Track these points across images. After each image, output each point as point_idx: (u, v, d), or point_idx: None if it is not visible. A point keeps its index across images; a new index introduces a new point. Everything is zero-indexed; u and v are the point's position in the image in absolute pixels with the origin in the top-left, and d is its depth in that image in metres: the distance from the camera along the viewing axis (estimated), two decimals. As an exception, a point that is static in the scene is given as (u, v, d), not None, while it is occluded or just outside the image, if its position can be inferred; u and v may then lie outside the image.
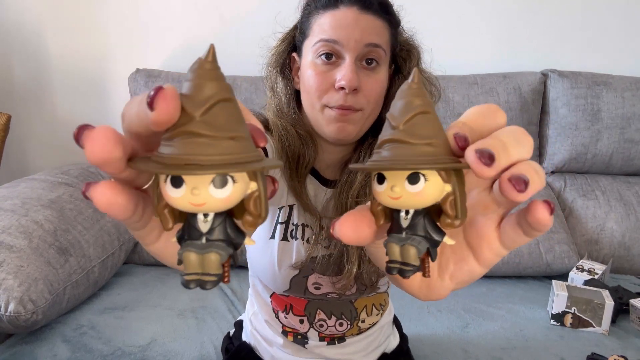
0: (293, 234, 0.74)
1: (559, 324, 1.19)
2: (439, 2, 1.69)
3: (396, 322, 0.99)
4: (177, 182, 0.23)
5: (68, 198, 1.31)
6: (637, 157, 1.62)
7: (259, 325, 0.88)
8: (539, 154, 1.68)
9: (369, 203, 0.29)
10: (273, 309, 0.83)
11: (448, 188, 0.26)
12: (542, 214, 0.26)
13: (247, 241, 0.25)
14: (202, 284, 0.24)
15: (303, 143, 0.71)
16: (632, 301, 1.21)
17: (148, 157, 0.23)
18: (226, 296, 1.30)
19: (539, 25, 1.72)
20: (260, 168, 0.23)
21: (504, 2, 1.70)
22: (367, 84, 0.66)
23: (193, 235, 0.24)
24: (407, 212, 0.27)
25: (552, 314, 1.19)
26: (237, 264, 0.26)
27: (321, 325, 0.81)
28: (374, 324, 0.85)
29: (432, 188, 0.25)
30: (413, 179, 0.25)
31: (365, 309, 0.82)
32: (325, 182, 0.76)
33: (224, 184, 0.23)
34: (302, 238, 0.73)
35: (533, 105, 1.62)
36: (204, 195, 0.23)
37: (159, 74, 1.63)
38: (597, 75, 1.64)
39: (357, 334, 0.84)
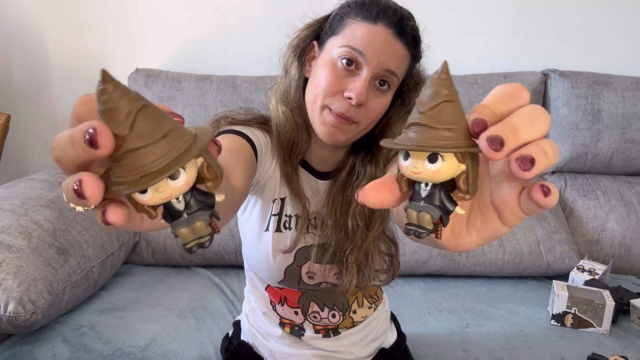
0: (286, 225, 0.76)
1: (559, 324, 1.18)
2: (439, 2, 1.69)
3: (394, 319, 0.99)
4: (143, 191, 0.28)
5: (68, 198, 1.30)
6: (637, 157, 1.62)
7: (257, 319, 0.89)
8: (540, 154, 1.68)
9: (394, 172, 0.33)
10: (270, 300, 0.85)
11: (463, 167, 0.30)
12: (538, 197, 0.29)
13: (217, 197, 0.30)
14: (201, 246, 0.30)
15: (298, 132, 0.73)
16: (633, 301, 1.21)
17: (110, 180, 0.27)
18: (226, 296, 1.30)
19: (539, 25, 1.72)
20: (196, 153, 0.27)
21: (504, 2, 1.70)
22: (372, 103, 0.68)
23: (176, 215, 0.30)
24: (426, 185, 0.31)
25: (552, 314, 1.19)
26: (219, 216, 0.30)
27: (315, 317, 0.83)
28: (367, 317, 0.86)
29: (448, 167, 0.30)
30: (432, 158, 0.29)
31: (356, 300, 0.84)
32: (317, 174, 0.78)
33: (177, 176, 0.28)
34: (296, 228, 0.76)
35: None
36: (167, 189, 0.28)
37: (158, 73, 1.63)
38: (597, 75, 1.64)
39: (351, 327, 0.85)
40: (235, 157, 0.62)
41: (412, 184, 0.32)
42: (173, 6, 1.71)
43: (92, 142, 0.25)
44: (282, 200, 0.76)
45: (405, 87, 0.75)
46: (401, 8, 0.69)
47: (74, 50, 1.74)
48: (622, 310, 1.23)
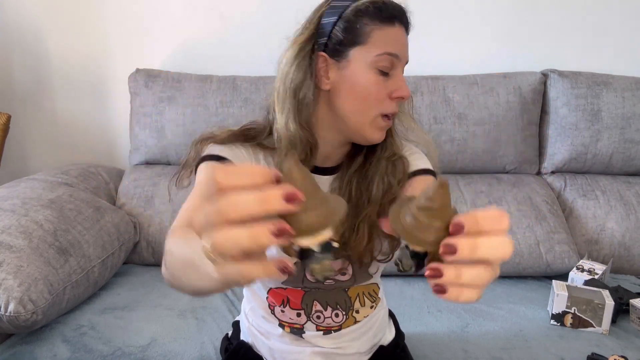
0: None
1: (559, 324, 1.19)
2: (439, 2, 1.69)
3: (392, 317, 1.00)
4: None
5: (68, 198, 1.31)
6: (637, 157, 1.62)
7: (256, 320, 0.89)
8: (539, 154, 1.68)
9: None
10: (269, 304, 0.85)
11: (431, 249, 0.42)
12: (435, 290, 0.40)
13: (335, 244, 0.41)
14: (326, 278, 0.44)
15: (312, 146, 0.74)
16: (633, 301, 1.21)
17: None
18: (226, 296, 1.30)
19: (539, 25, 1.72)
20: (343, 213, 0.40)
21: (504, 2, 1.70)
22: None
23: (308, 255, 0.40)
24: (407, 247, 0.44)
25: (552, 314, 1.19)
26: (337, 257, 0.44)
27: (318, 317, 0.83)
28: (368, 316, 0.87)
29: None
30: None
31: (358, 298, 0.84)
32: (320, 171, 0.78)
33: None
34: None
35: (533, 105, 1.62)
36: (320, 237, 0.39)
37: (158, 74, 1.63)
38: (597, 75, 1.64)
39: (354, 324, 0.85)
40: None
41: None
42: (173, 6, 1.71)
43: (289, 199, 0.34)
44: None
45: None
46: (399, 4, 0.73)
47: (74, 50, 1.74)
48: (621, 310, 1.23)
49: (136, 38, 1.74)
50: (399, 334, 0.98)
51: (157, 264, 1.48)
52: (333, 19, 0.71)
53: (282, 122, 0.72)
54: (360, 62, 0.70)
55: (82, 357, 1.01)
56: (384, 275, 1.14)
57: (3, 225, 1.11)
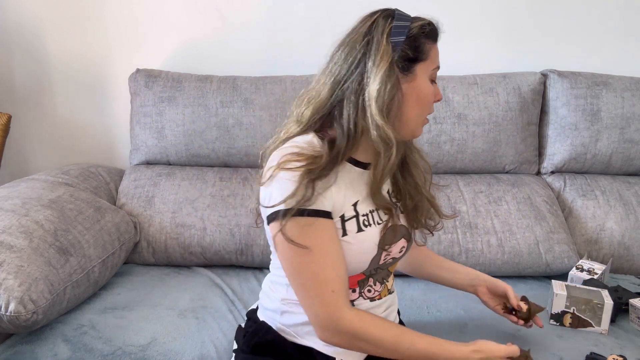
0: (366, 223, 0.86)
1: (558, 324, 1.19)
2: (439, 2, 1.69)
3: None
4: None
5: (68, 198, 1.31)
6: (636, 157, 1.63)
7: (295, 316, 0.89)
8: (539, 154, 1.68)
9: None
10: None
11: None
12: None
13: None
14: None
15: (360, 142, 0.83)
16: (632, 301, 1.21)
17: None
18: (226, 296, 1.30)
19: (539, 25, 1.72)
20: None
21: (503, 2, 1.71)
22: None
23: None
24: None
25: (551, 313, 1.19)
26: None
27: (369, 291, 0.91)
28: (392, 290, 0.98)
29: None
30: None
31: (391, 273, 0.97)
32: (361, 165, 0.88)
33: None
34: (375, 223, 0.87)
35: (533, 105, 1.62)
36: None
37: (159, 74, 1.63)
38: (596, 75, 1.64)
39: (387, 295, 0.95)
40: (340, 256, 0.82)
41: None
42: (173, 6, 1.71)
43: None
44: (355, 204, 0.85)
45: None
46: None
47: (74, 50, 1.75)
48: (620, 309, 1.23)
49: (136, 38, 1.74)
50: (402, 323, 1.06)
51: (158, 264, 1.49)
52: (401, 38, 0.82)
53: (384, 131, 0.79)
54: (423, 75, 0.84)
55: (83, 357, 1.02)
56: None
57: (3, 225, 1.11)
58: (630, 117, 1.59)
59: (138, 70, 1.64)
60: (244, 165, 1.63)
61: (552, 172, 1.68)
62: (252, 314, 1.00)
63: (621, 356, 1.02)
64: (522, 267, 1.43)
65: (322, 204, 0.78)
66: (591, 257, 1.50)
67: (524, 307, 1.02)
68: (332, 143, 0.81)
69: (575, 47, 1.73)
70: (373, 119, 0.79)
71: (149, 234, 1.46)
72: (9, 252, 1.04)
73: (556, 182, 1.64)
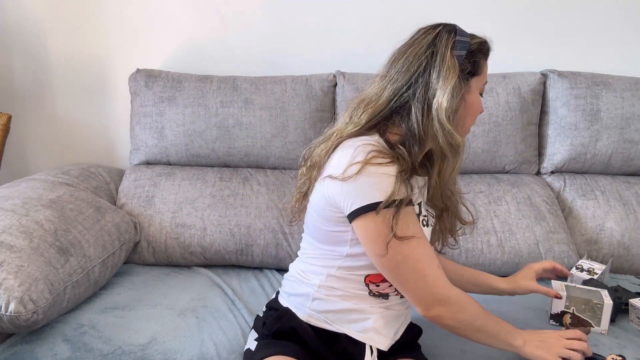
0: (424, 223, 0.95)
1: (558, 324, 1.19)
2: (439, 2, 1.69)
3: None
4: None
5: (68, 198, 1.31)
6: (636, 157, 1.63)
7: (337, 288, 0.94)
8: (539, 154, 1.69)
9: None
10: (365, 281, 0.93)
11: None
12: None
13: None
14: None
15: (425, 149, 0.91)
16: (632, 301, 1.21)
17: None
18: (226, 296, 1.31)
19: (539, 25, 1.72)
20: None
21: (503, 2, 1.71)
22: None
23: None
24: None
25: (551, 314, 1.19)
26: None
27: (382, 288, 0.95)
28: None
29: None
30: None
31: None
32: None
33: None
34: (427, 224, 0.96)
35: (533, 106, 1.63)
36: None
37: (159, 74, 1.63)
38: (596, 75, 1.64)
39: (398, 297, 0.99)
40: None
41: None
42: (173, 6, 1.71)
43: None
44: (419, 204, 0.93)
45: None
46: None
47: (74, 50, 1.75)
48: (620, 309, 1.23)
49: (136, 38, 1.74)
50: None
51: (158, 264, 1.49)
52: (463, 52, 0.88)
53: (449, 126, 0.85)
54: (476, 89, 0.92)
55: (83, 356, 1.02)
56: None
57: (4, 225, 1.11)
58: (630, 117, 1.59)
59: (138, 70, 1.64)
60: (244, 165, 1.63)
61: (552, 172, 1.68)
62: (273, 303, 1.02)
63: (620, 356, 1.02)
64: (522, 267, 1.43)
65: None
66: (591, 257, 1.50)
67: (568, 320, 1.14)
68: (402, 146, 0.87)
69: (575, 47, 1.74)
70: (443, 126, 0.84)
71: (149, 233, 1.46)
72: (9, 252, 1.04)
73: (556, 182, 1.64)
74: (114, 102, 1.79)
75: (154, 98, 1.59)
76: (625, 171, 1.66)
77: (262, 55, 1.73)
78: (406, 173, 0.83)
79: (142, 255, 1.47)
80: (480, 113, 0.95)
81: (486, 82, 0.96)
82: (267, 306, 1.05)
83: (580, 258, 1.44)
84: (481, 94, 0.95)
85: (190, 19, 1.72)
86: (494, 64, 1.75)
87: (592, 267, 1.37)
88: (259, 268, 1.49)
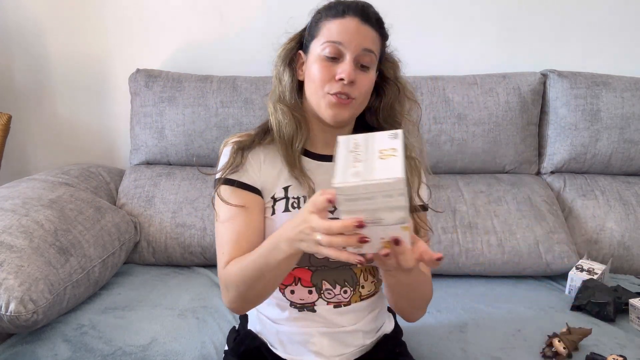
0: (295, 205, 0.85)
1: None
2: (439, 2, 1.69)
3: (390, 311, 1.02)
4: None
5: (68, 198, 1.31)
6: (636, 157, 1.63)
7: (265, 307, 0.91)
8: (539, 154, 1.69)
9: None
10: (279, 287, 0.87)
11: None
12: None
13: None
14: None
15: (297, 126, 0.85)
16: (632, 301, 1.21)
17: None
18: (226, 296, 1.30)
19: (539, 25, 1.72)
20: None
21: (503, 2, 1.71)
22: (361, 79, 0.82)
23: None
24: None
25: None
26: None
27: (329, 293, 0.87)
28: (372, 293, 0.91)
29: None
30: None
31: (362, 274, 0.89)
32: (323, 158, 0.88)
33: None
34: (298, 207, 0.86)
35: (533, 106, 1.63)
36: None
37: (159, 74, 1.63)
38: (596, 75, 1.64)
39: (360, 301, 0.89)
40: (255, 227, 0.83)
41: None
42: (174, 6, 1.71)
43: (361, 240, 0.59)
44: (286, 189, 0.86)
45: (385, 67, 0.89)
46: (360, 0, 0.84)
47: (74, 50, 1.75)
48: (620, 309, 1.23)
49: (136, 38, 1.74)
50: (398, 327, 1.01)
51: (158, 264, 1.49)
52: (308, 21, 0.87)
53: (272, 106, 0.87)
54: (314, 52, 0.83)
55: (83, 357, 1.02)
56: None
57: (4, 225, 1.11)
58: (630, 117, 1.59)
59: (138, 70, 1.64)
60: (244, 165, 1.63)
61: (552, 172, 1.68)
62: (243, 318, 1.00)
63: (621, 356, 1.02)
64: (522, 267, 1.43)
65: (250, 178, 0.85)
66: (591, 257, 1.50)
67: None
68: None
69: (575, 47, 1.73)
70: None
71: (149, 233, 1.46)
72: (9, 252, 1.04)
73: (556, 182, 1.64)
74: (114, 102, 1.79)
75: (154, 98, 1.59)
76: (625, 171, 1.66)
77: (262, 55, 1.72)
78: (244, 145, 0.86)
79: (142, 255, 1.47)
80: (339, 79, 0.79)
81: (333, 42, 0.79)
82: (240, 318, 1.02)
83: (580, 258, 1.44)
84: (332, 58, 0.80)
85: (190, 19, 1.72)
86: (495, 64, 1.77)
87: (592, 267, 1.37)
88: (259, 268, 1.49)
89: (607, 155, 1.62)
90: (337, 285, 0.87)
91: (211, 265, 1.49)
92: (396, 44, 0.91)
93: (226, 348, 1.00)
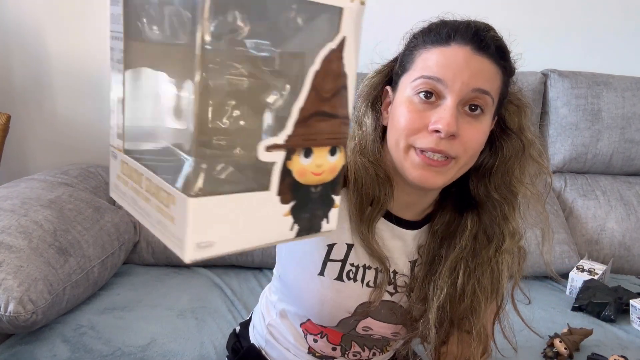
0: (350, 275, 0.69)
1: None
2: (439, 2, 1.69)
3: None
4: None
5: (68, 198, 1.31)
6: (637, 157, 1.62)
7: (279, 335, 0.82)
8: (539, 154, 1.68)
9: None
10: (303, 331, 0.78)
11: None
12: None
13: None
14: None
15: (380, 187, 0.65)
16: (632, 301, 1.21)
17: None
18: (226, 296, 1.30)
19: (539, 25, 1.72)
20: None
21: (503, 2, 1.70)
22: (467, 132, 0.59)
23: None
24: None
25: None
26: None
27: (354, 355, 0.78)
28: (396, 352, 0.86)
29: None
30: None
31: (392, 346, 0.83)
32: (402, 223, 0.70)
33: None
34: (362, 281, 0.69)
35: (533, 105, 1.62)
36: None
37: (158, 74, 1.63)
38: (597, 75, 1.64)
39: (381, 354, 0.83)
40: None
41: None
42: (173, 6, 1.71)
43: None
44: (349, 247, 0.68)
45: (506, 112, 0.68)
46: (474, 20, 0.64)
47: (74, 50, 1.74)
48: (621, 310, 1.23)
49: (136, 38, 1.74)
50: None
51: (157, 264, 1.48)
52: (401, 48, 0.66)
53: (350, 156, 0.66)
54: (403, 89, 0.62)
55: (82, 357, 1.01)
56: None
57: (3, 225, 1.11)
58: (631, 117, 1.59)
59: (138, 70, 1.63)
60: (244, 165, 1.62)
61: (553, 172, 1.68)
62: (243, 326, 0.93)
63: (622, 357, 1.02)
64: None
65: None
66: (592, 258, 1.50)
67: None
68: None
69: (575, 47, 1.73)
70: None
71: (149, 234, 1.46)
72: (8, 252, 1.04)
73: (557, 182, 1.64)
74: (113, 102, 1.78)
75: (154, 98, 1.59)
76: (626, 171, 1.66)
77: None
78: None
79: (142, 256, 1.47)
80: (432, 130, 0.58)
81: (429, 77, 0.59)
82: (240, 325, 0.95)
83: (581, 258, 1.44)
84: (427, 100, 0.59)
85: (190, 18, 1.72)
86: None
87: (593, 267, 1.36)
88: (259, 268, 1.48)
89: (607, 155, 1.61)
90: (366, 348, 0.78)
91: (210, 265, 1.48)
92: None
93: (227, 354, 0.96)
